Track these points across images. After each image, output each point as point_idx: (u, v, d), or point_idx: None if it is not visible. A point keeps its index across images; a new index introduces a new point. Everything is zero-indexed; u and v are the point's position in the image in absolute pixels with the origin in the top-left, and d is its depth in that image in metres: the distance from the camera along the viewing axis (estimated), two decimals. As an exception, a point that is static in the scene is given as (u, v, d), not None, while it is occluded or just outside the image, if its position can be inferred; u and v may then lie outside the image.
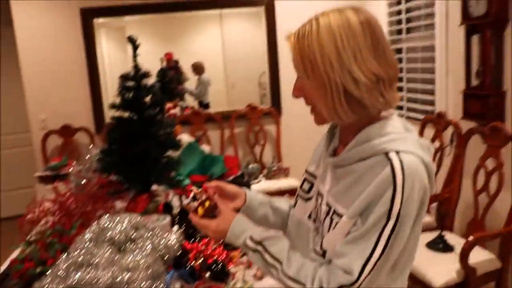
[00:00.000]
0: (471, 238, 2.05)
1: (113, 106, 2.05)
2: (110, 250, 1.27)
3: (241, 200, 1.20)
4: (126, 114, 2.07)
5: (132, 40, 2.00)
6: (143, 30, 4.64)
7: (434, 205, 2.76)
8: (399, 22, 3.69)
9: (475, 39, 2.63)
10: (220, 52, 4.58)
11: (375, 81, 0.94)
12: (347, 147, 1.00)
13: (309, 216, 1.11)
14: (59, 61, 4.01)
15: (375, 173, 0.93)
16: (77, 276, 1.16)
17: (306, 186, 1.16)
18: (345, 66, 0.94)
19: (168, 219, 1.60)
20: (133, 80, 2.03)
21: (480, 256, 2.22)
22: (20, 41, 3.94)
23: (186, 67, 4.66)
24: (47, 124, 4.07)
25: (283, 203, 1.27)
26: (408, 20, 3.57)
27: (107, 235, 1.30)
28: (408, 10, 3.55)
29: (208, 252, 1.49)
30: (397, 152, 0.93)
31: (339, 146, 1.09)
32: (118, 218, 1.36)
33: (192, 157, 2.69)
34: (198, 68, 4.69)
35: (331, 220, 1.00)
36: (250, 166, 3.77)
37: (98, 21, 4.12)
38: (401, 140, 0.96)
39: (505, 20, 2.47)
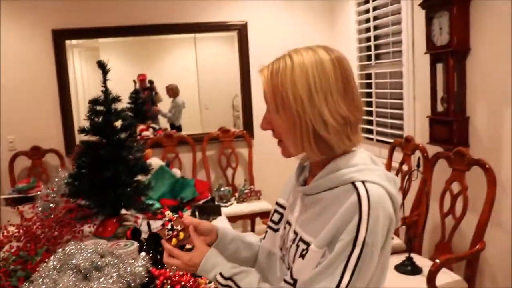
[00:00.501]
0: (437, 260, 2.09)
1: (82, 130, 2.03)
2: (75, 278, 1.25)
3: (213, 236, 1.22)
4: (95, 138, 2.06)
5: (101, 65, 2.00)
6: (117, 51, 4.63)
7: (403, 227, 2.80)
8: (368, 48, 3.79)
9: (439, 67, 2.73)
10: (195, 74, 4.60)
11: (343, 124, 0.98)
12: (316, 177, 1.03)
13: (278, 247, 1.15)
14: (30, 82, 3.96)
15: (341, 202, 0.95)
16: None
17: (276, 217, 1.19)
18: (316, 107, 0.96)
19: (135, 245, 1.58)
20: (102, 105, 2.03)
21: (447, 278, 2.27)
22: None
23: (160, 88, 4.67)
24: (15, 145, 3.99)
25: (253, 238, 1.30)
26: (377, 47, 3.67)
27: (72, 262, 1.28)
28: (377, 38, 3.66)
29: (176, 278, 1.48)
30: (363, 182, 0.96)
31: (309, 177, 1.11)
32: (84, 244, 1.34)
33: (163, 181, 2.68)
34: (172, 91, 4.70)
35: (297, 247, 1.02)
36: (222, 189, 3.77)
37: (72, 41, 4.11)
38: (368, 171, 0.99)
39: (466, 49, 2.58)
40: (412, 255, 2.46)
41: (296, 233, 1.05)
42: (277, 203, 1.22)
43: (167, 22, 4.12)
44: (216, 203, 2.60)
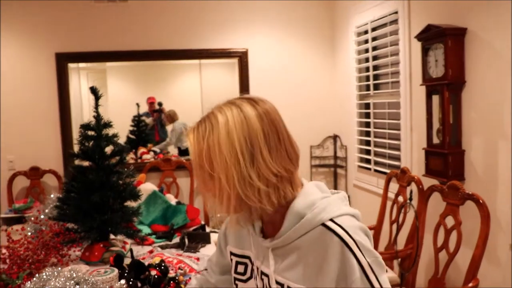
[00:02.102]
0: (427, 297, 2.05)
1: (72, 154, 2.04)
2: (48, 305, 1.24)
3: None
4: (86, 163, 2.07)
5: (93, 91, 2.02)
6: (124, 74, 4.71)
7: (398, 260, 2.76)
8: (367, 78, 3.81)
9: (435, 98, 2.73)
10: (199, 98, 4.65)
11: (277, 181, 0.97)
12: (282, 230, 1.02)
13: None
14: (31, 103, 4.02)
15: (322, 245, 0.97)
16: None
17: (240, 268, 1.17)
18: (243, 173, 0.94)
19: (115, 272, 1.57)
20: (94, 130, 2.04)
21: (438, 315, 2.21)
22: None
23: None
24: (14, 165, 4.01)
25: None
26: (376, 77, 3.69)
27: (46, 290, 1.27)
28: (376, 68, 3.68)
29: (154, 309, 1.46)
30: (332, 220, 0.98)
31: (266, 225, 1.09)
32: (61, 271, 1.32)
33: (155, 206, 2.67)
34: (170, 117, 4.74)
35: None
36: (219, 215, 3.74)
37: (79, 64, 4.18)
38: (328, 206, 1.01)
39: (461, 82, 2.58)
40: (405, 289, 2.41)
41: (280, 284, 1.03)
42: (233, 254, 1.18)
43: (171, 48, 4.19)
44: (208, 230, 2.58)
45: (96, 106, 2.06)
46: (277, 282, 1.04)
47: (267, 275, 1.07)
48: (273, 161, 0.96)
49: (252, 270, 1.13)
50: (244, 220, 1.10)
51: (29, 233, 2.13)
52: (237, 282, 1.17)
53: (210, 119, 0.98)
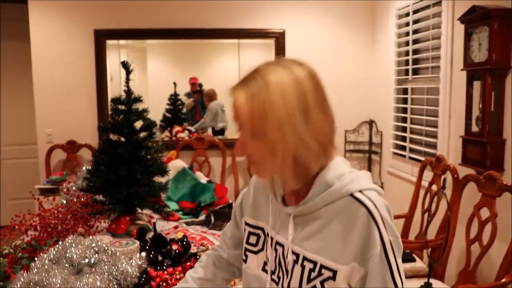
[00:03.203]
0: (455, 289, 1.98)
1: (102, 128, 2.07)
2: (68, 271, 1.26)
3: None
4: (115, 137, 2.09)
5: (125, 65, 2.03)
6: (163, 53, 4.75)
7: (427, 251, 2.68)
8: (406, 62, 3.68)
9: (476, 84, 2.60)
10: (236, 79, 4.61)
11: (325, 144, 0.97)
12: (308, 197, 1.00)
13: (263, 269, 1.10)
14: (70, 79, 4.11)
15: (347, 216, 0.95)
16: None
17: (252, 239, 1.14)
18: (297, 132, 0.92)
19: (136, 244, 1.58)
20: (124, 104, 2.05)
21: (467, 309, 2.14)
22: (35, 57, 4.06)
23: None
24: (53, 138, 4.14)
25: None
26: (416, 61, 3.56)
27: (67, 256, 1.29)
28: (416, 52, 3.55)
29: (172, 282, 1.47)
30: (360, 191, 0.97)
31: (288, 194, 1.07)
32: (81, 239, 1.35)
33: (184, 183, 2.68)
34: (209, 96, 4.75)
35: (302, 267, 0.99)
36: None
37: (120, 42, 4.23)
38: (357, 179, 0.99)
39: (506, 67, 2.44)
40: (433, 281, 2.34)
41: (296, 254, 1.01)
42: (247, 224, 1.16)
43: (211, 27, 4.18)
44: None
45: (127, 80, 2.07)
46: (293, 253, 1.02)
47: (282, 245, 1.05)
48: (323, 122, 0.96)
49: (264, 242, 1.11)
50: (271, 187, 1.09)
51: (59, 203, 2.19)
52: (247, 253, 1.15)
53: (259, 77, 0.95)
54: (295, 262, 1.01)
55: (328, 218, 0.98)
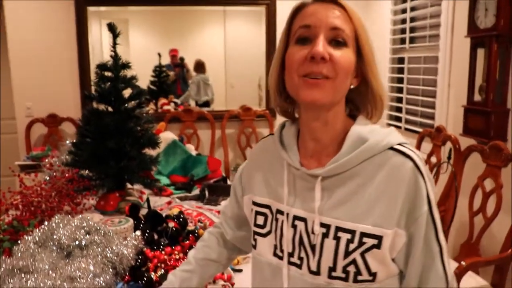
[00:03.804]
0: (463, 263, 1.90)
1: (87, 96, 1.91)
2: (56, 255, 1.13)
3: None
4: (102, 107, 1.94)
5: (111, 27, 1.86)
6: (146, 23, 4.54)
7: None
8: (403, 31, 3.55)
9: (480, 52, 2.49)
10: (222, 51, 4.47)
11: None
12: (342, 152, 0.88)
13: (274, 254, 0.95)
14: (50, 49, 3.88)
15: (391, 171, 0.85)
16: (11, 285, 1.02)
17: (260, 220, 0.99)
18: (375, 64, 0.91)
19: (130, 222, 1.45)
20: (111, 71, 1.89)
21: (472, 283, 2.08)
22: (10, 26, 3.81)
23: (189, 64, 4.59)
24: (32, 111, 3.93)
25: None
26: (412, 30, 3.43)
27: (55, 238, 1.15)
28: (413, 20, 3.41)
29: (171, 263, 1.35)
30: (400, 144, 0.87)
31: (306, 156, 0.95)
32: (70, 219, 1.21)
33: (174, 156, 2.55)
34: (198, 67, 4.58)
35: (337, 239, 0.85)
36: (240, 168, 3.62)
37: (100, 11, 4.00)
38: (392, 132, 0.91)
39: (513, 34, 2.34)
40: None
41: (326, 226, 0.87)
42: (255, 203, 1.01)
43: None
44: (229, 182, 2.46)
45: (114, 44, 1.90)
46: (322, 224, 0.87)
47: (303, 219, 0.90)
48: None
49: (273, 221, 0.96)
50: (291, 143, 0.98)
51: (42, 180, 2.03)
52: (256, 236, 1.00)
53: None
54: (325, 235, 0.87)
55: (365, 177, 0.86)
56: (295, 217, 0.92)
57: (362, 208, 0.84)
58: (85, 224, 1.18)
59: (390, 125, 3.76)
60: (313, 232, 0.88)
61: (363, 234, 0.83)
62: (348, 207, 0.86)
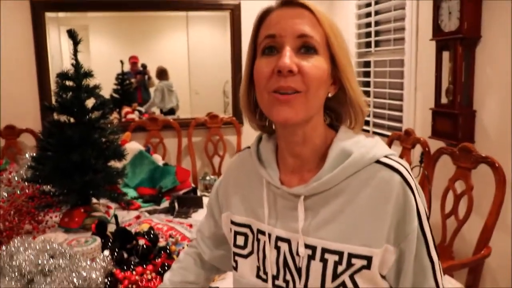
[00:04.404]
0: (438, 267, 1.89)
1: (48, 107, 1.80)
2: (16, 283, 1.03)
3: None
4: (63, 118, 1.83)
5: (71, 34, 1.76)
6: (107, 30, 4.42)
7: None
8: (368, 34, 3.57)
9: (446, 55, 2.52)
10: (185, 57, 4.39)
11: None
12: (325, 169, 0.81)
13: (257, 276, 0.89)
14: (5, 57, 3.68)
15: (378, 186, 0.79)
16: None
17: (240, 240, 0.93)
18: (352, 69, 0.85)
19: (97, 241, 1.36)
20: (72, 80, 1.79)
21: (446, 285, 2.07)
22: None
23: (151, 71, 4.50)
24: (-13, 123, 3.74)
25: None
26: (377, 33, 3.45)
27: (14, 264, 1.06)
28: (377, 23, 3.44)
29: (143, 284, 1.27)
30: (386, 157, 0.82)
31: (287, 173, 0.89)
32: (32, 241, 1.11)
33: (141, 168, 2.45)
34: (161, 73, 4.49)
35: (324, 261, 0.80)
36: (208, 177, 3.55)
37: (59, 17, 3.85)
38: (377, 143, 0.85)
39: (477, 37, 2.37)
40: (409, 257, 2.26)
41: (312, 247, 0.81)
42: (233, 223, 0.95)
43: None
44: (199, 193, 2.38)
45: (75, 52, 1.80)
46: (307, 246, 0.82)
47: (287, 240, 0.84)
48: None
49: (254, 242, 0.90)
50: (270, 159, 0.91)
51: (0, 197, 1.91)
52: (237, 258, 0.94)
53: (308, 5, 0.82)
54: (311, 257, 0.81)
55: (351, 194, 0.80)
56: (278, 238, 0.86)
57: (349, 227, 0.79)
58: (48, 247, 1.09)
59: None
60: (297, 254, 0.83)
61: (352, 255, 0.78)
62: (334, 227, 0.80)
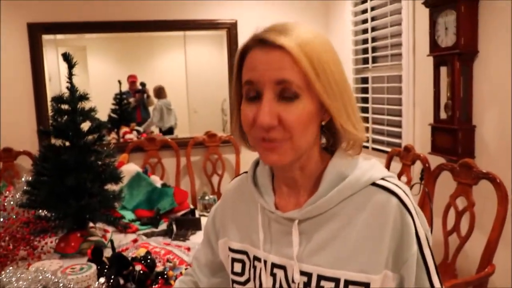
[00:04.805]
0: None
1: (43, 132, 1.78)
2: (7, 315, 1.00)
3: None
4: (59, 142, 1.81)
5: (66, 57, 1.75)
6: (105, 50, 4.43)
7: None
8: (365, 51, 3.57)
9: (443, 70, 2.51)
10: (183, 76, 4.39)
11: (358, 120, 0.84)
12: (320, 192, 0.79)
13: None
14: (3, 79, 3.68)
15: (375, 209, 0.77)
16: None
17: (237, 267, 0.91)
18: (349, 89, 0.80)
19: (93, 268, 1.33)
20: (67, 103, 1.78)
21: (450, 304, 2.03)
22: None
23: (150, 90, 4.50)
24: (-16, 146, 3.71)
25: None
26: (374, 49, 3.46)
27: (6, 296, 1.03)
28: (374, 39, 3.44)
29: (139, 312, 1.23)
30: (383, 179, 0.79)
31: (282, 197, 0.87)
32: (24, 271, 1.08)
33: (139, 189, 2.42)
34: (159, 92, 4.49)
35: None
36: (207, 197, 3.52)
37: (57, 39, 3.86)
38: (375, 165, 0.82)
39: (474, 52, 2.37)
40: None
41: (307, 274, 0.79)
42: (231, 249, 0.93)
43: (155, 18, 3.88)
44: (198, 213, 2.35)
45: (70, 75, 1.79)
46: (302, 273, 0.79)
47: (283, 267, 0.82)
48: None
49: (250, 268, 0.88)
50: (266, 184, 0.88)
51: (-4, 222, 1.88)
52: (235, 285, 0.91)
53: (289, 26, 0.78)
54: (307, 285, 0.79)
55: (347, 218, 0.78)
56: (274, 265, 0.84)
57: (345, 253, 0.76)
58: (41, 277, 1.06)
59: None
60: (293, 281, 0.80)
61: (348, 282, 0.75)
62: (329, 253, 0.78)
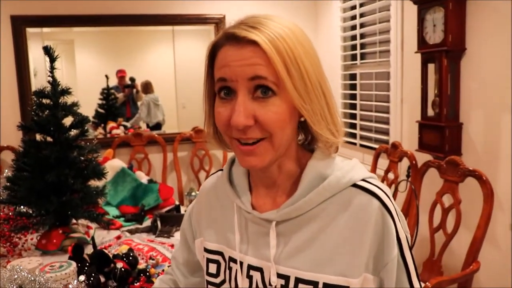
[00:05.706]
0: (428, 284, 1.86)
1: (24, 127, 1.74)
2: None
3: None
4: (40, 137, 1.77)
5: (47, 51, 1.71)
6: (93, 44, 4.36)
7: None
8: (353, 47, 3.56)
9: (431, 67, 2.51)
10: (172, 71, 4.34)
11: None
12: (299, 193, 0.77)
13: None
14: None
15: (355, 211, 0.75)
16: None
17: (212, 268, 0.89)
18: (327, 84, 0.76)
19: (72, 266, 1.30)
20: (49, 98, 1.74)
21: (436, 302, 2.03)
22: None
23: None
24: (-33, 141, 3.65)
25: None
26: (362, 46, 3.45)
27: (-20, 295, 1.00)
28: (362, 36, 3.43)
29: (120, 311, 1.21)
30: (364, 180, 0.77)
31: (259, 197, 0.84)
32: (1, 270, 1.05)
33: (124, 185, 2.39)
34: (146, 87, 4.44)
35: None
36: (193, 193, 3.48)
37: (44, 32, 3.79)
38: (355, 166, 0.80)
39: (461, 49, 2.37)
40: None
41: (285, 277, 0.77)
42: (206, 250, 0.91)
43: (143, 12, 3.83)
44: (184, 209, 2.33)
45: (52, 69, 1.75)
46: (280, 275, 0.77)
47: (259, 269, 0.80)
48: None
49: (226, 270, 0.86)
50: (243, 183, 0.86)
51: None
52: (210, 287, 0.89)
53: (262, 19, 0.74)
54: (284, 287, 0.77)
55: (326, 219, 0.75)
56: (250, 267, 0.82)
57: (324, 255, 0.74)
58: (16, 276, 1.03)
59: (345, 142, 3.74)
60: (270, 284, 0.78)
61: (327, 286, 0.73)
62: (307, 255, 0.75)
